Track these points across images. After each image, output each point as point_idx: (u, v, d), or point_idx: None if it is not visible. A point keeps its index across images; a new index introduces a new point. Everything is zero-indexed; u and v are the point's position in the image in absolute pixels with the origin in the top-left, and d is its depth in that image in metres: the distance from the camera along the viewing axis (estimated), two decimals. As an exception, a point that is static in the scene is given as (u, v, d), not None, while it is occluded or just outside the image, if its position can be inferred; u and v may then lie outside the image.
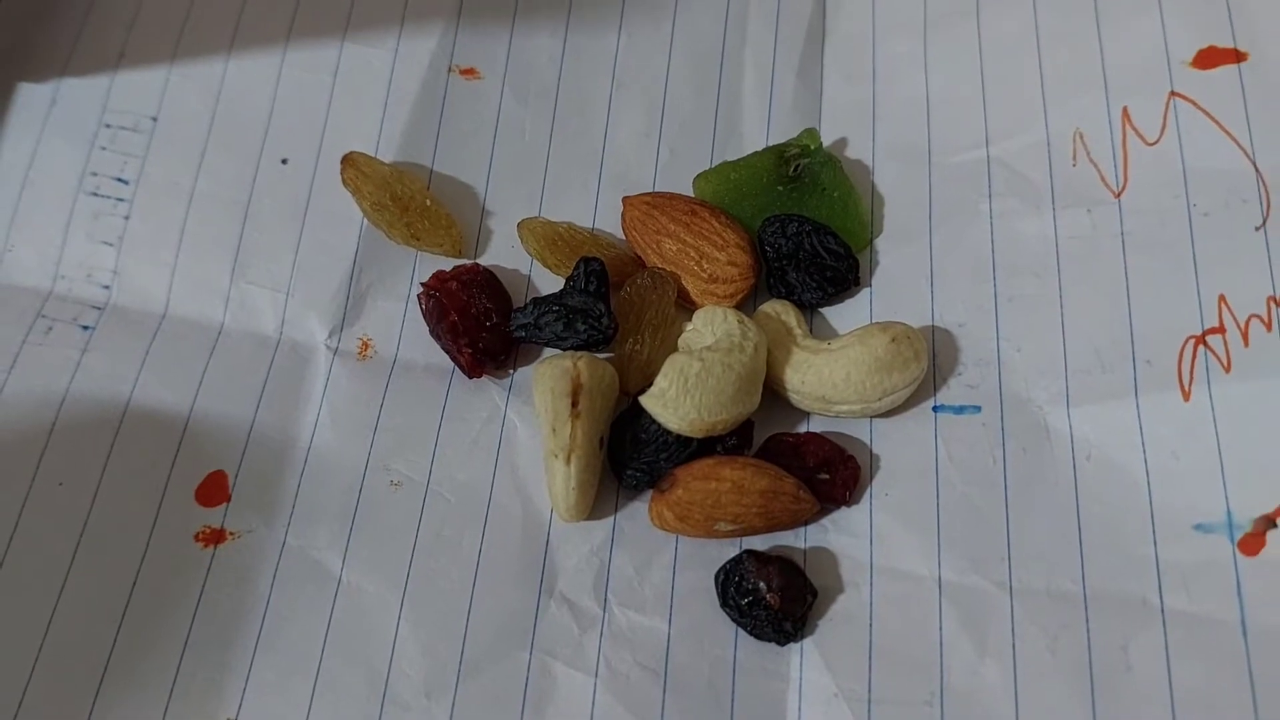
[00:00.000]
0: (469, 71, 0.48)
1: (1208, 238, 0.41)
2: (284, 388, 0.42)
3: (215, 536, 0.40)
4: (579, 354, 0.40)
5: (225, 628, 0.38)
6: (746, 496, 0.38)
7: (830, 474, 0.40)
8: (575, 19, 0.49)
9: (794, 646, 0.38)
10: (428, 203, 0.44)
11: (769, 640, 0.38)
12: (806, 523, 0.40)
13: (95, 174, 0.46)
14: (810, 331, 0.43)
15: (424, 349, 0.43)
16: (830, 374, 0.40)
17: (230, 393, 0.42)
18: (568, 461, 0.39)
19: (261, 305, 0.44)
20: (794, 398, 0.41)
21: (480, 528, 0.40)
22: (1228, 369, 0.39)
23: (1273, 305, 0.39)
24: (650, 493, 0.40)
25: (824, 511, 0.40)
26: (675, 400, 0.39)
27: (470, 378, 0.42)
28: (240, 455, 0.41)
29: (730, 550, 0.40)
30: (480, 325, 0.42)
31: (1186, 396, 0.39)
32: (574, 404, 0.39)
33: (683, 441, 0.40)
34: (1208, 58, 0.44)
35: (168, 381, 0.42)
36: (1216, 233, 0.41)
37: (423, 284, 0.43)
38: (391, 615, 0.38)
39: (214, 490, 0.40)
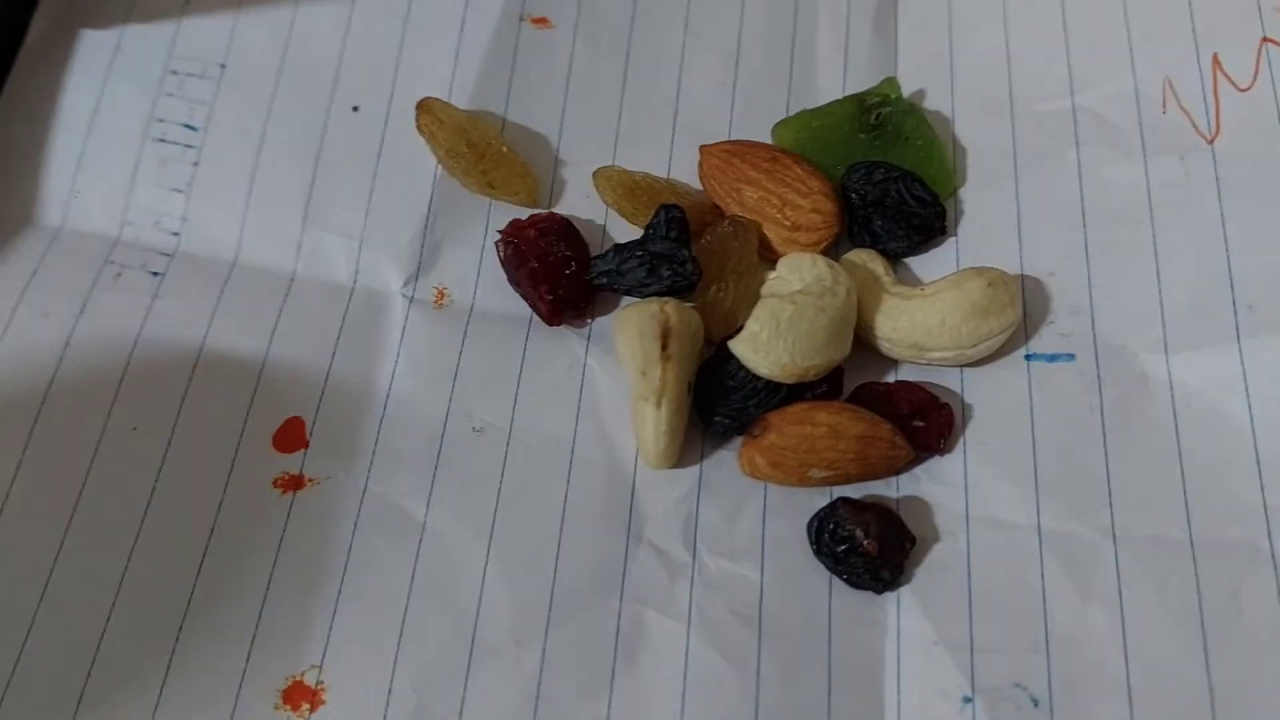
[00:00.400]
0: (541, 20, 0.47)
1: (1307, 182, 0.40)
2: (360, 336, 0.41)
3: (294, 483, 0.39)
4: (665, 299, 0.39)
5: (307, 575, 0.37)
6: (842, 441, 0.37)
7: (924, 421, 0.39)
8: (646, -32, 0.48)
9: (891, 595, 0.37)
10: (504, 150, 0.43)
11: (866, 589, 0.37)
12: (899, 471, 0.39)
13: (162, 120, 0.45)
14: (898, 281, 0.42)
15: (500, 298, 0.42)
16: (924, 320, 0.39)
17: (305, 340, 0.41)
18: (658, 405, 0.38)
19: (334, 253, 0.43)
20: (885, 345, 0.40)
21: (565, 475, 0.39)
22: (1335, 313, 0.38)
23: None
24: (737, 441, 0.39)
25: (916, 460, 0.39)
26: (767, 344, 0.38)
27: (550, 325, 0.41)
28: (317, 402, 0.40)
29: (820, 499, 0.38)
30: (560, 273, 0.41)
31: (1292, 340, 0.38)
32: (664, 347, 0.38)
33: (772, 388, 0.38)
34: (1301, 2, 0.43)
35: (241, 328, 0.41)
36: (1316, 177, 0.40)
37: (500, 231, 0.42)
38: (478, 562, 0.37)
39: (291, 436, 0.40)
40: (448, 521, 0.38)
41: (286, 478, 0.39)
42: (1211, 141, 0.42)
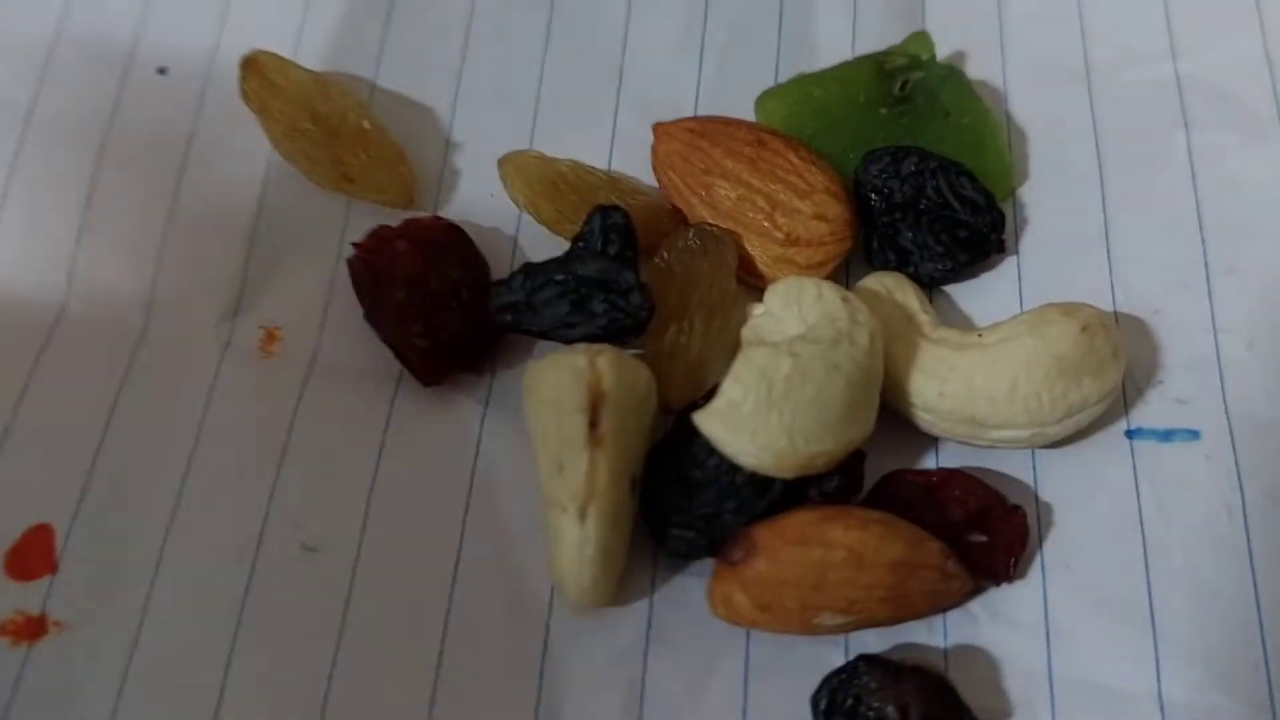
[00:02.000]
0: (428, -52, 0.38)
1: None
2: (147, 399, 0.32)
3: (31, 628, 0.29)
4: (597, 347, 0.29)
5: None
6: (868, 572, 0.27)
7: (988, 533, 0.28)
8: (579, -120, 0.39)
9: (943, 811, 0.27)
10: (366, 125, 0.34)
11: (905, 804, 0.26)
12: (947, 608, 0.29)
13: (-120, 90, 0.36)
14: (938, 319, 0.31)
15: (358, 341, 0.33)
16: (986, 381, 0.29)
17: (64, 406, 0.32)
18: (582, 516, 0.27)
19: (119, 278, 0.34)
20: (924, 419, 0.30)
21: (441, 619, 0.29)
22: None
23: None
24: (707, 567, 0.29)
25: (973, 591, 0.29)
26: (753, 419, 0.27)
27: (426, 385, 0.32)
28: (75, 503, 0.30)
29: (832, 656, 0.28)
30: (442, 305, 0.32)
31: None
32: (593, 424, 0.28)
33: (759, 484, 0.28)
34: None
35: None
36: None
37: (355, 244, 0.33)
38: None
39: (33, 555, 0.30)
40: (257, 694, 0.28)
41: (20, 620, 0.29)
42: (1377, 121, 0.33)
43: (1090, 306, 0.30)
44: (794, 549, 0.26)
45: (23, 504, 0.30)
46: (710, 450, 0.28)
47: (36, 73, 0.36)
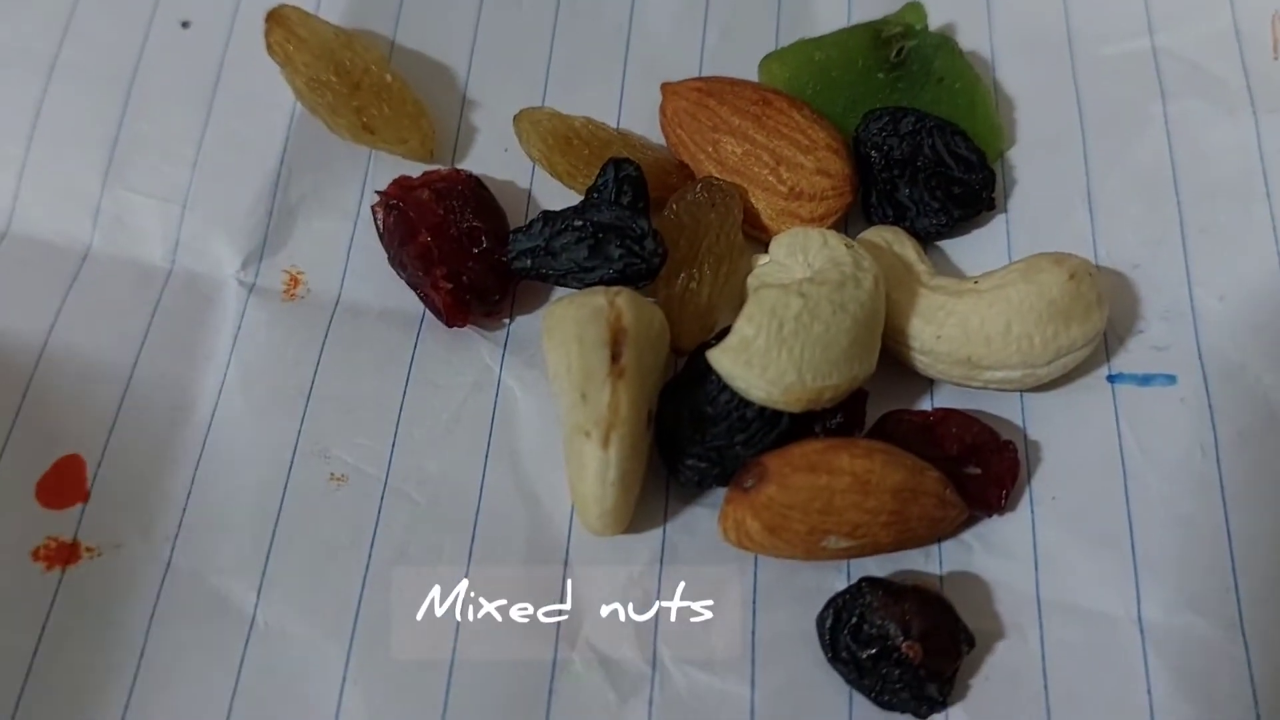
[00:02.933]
0: (445, -88, 0.37)
1: None
2: (174, 338, 0.32)
3: (64, 553, 0.29)
4: (614, 289, 0.30)
5: (78, 689, 0.28)
6: (873, 497, 0.27)
7: (981, 467, 0.29)
8: None
9: (939, 718, 0.28)
10: (388, 78, 0.34)
11: (903, 710, 0.27)
12: (943, 537, 0.29)
13: (-88, 38, 0.35)
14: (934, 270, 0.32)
15: (380, 285, 0.33)
16: (982, 325, 0.29)
17: (94, 343, 0.32)
18: (605, 443, 0.27)
19: (146, 222, 0.34)
20: (921, 360, 0.30)
21: (465, 545, 0.29)
22: None
23: None
24: (718, 496, 0.30)
25: (967, 522, 0.30)
26: (765, 355, 0.27)
27: (449, 326, 0.32)
28: (106, 434, 0.30)
29: (836, 580, 0.29)
30: (464, 250, 0.31)
31: None
32: (614, 358, 0.28)
33: (768, 418, 0.29)
34: None
35: (3, 326, 0.32)
36: None
37: (379, 192, 0.32)
38: (332, 675, 0.28)
39: (65, 484, 0.30)
40: (289, 614, 0.28)
41: (54, 546, 0.29)
42: (1341, 92, 0.34)
43: (1077, 256, 0.30)
44: (803, 475, 0.27)
45: (55, 434, 0.30)
46: (722, 387, 0.28)
47: (60, 25, 0.36)
